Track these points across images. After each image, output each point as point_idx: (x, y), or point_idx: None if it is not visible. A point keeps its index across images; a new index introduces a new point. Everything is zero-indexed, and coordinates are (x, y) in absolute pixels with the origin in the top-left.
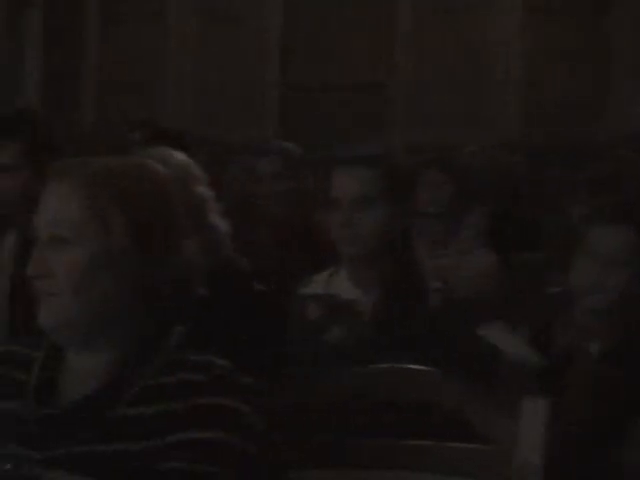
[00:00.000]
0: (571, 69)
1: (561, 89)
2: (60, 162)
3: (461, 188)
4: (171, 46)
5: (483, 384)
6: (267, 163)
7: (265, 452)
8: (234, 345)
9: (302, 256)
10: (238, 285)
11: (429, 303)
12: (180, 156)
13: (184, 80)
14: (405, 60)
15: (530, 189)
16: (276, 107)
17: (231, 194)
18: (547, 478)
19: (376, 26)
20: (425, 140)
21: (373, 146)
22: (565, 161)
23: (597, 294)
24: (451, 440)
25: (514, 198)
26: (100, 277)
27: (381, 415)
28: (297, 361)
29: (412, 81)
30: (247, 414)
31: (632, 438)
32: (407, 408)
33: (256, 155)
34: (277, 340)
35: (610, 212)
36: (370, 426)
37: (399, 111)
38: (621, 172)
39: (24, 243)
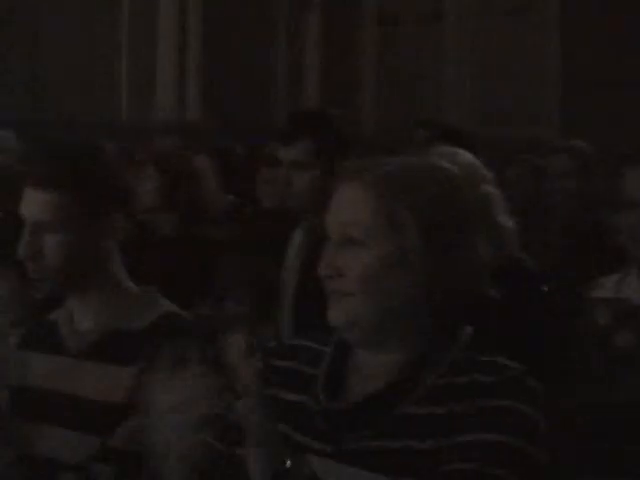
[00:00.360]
0: None
1: None
2: (351, 162)
3: None
4: (450, 46)
5: None
6: (556, 162)
7: (547, 456)
8: (521, 346)
9: (591, 258)
10: (526, 285)
11: None
12: (467, 155)
13: (465, 79)
14: None
15: None
16: (560, 105)
17: (518, 193)
18: None
19: None
20: None
21: None
22: None
23: None
24: None
25: None
26: (391, 278)
27: None
28: (584, 365)
29: None
30: (535, 418)
31: None
32: None
33: (544, 153)
34: (564, 343)
35: None
36: None
37: None
38: None
39: (313, 241)
